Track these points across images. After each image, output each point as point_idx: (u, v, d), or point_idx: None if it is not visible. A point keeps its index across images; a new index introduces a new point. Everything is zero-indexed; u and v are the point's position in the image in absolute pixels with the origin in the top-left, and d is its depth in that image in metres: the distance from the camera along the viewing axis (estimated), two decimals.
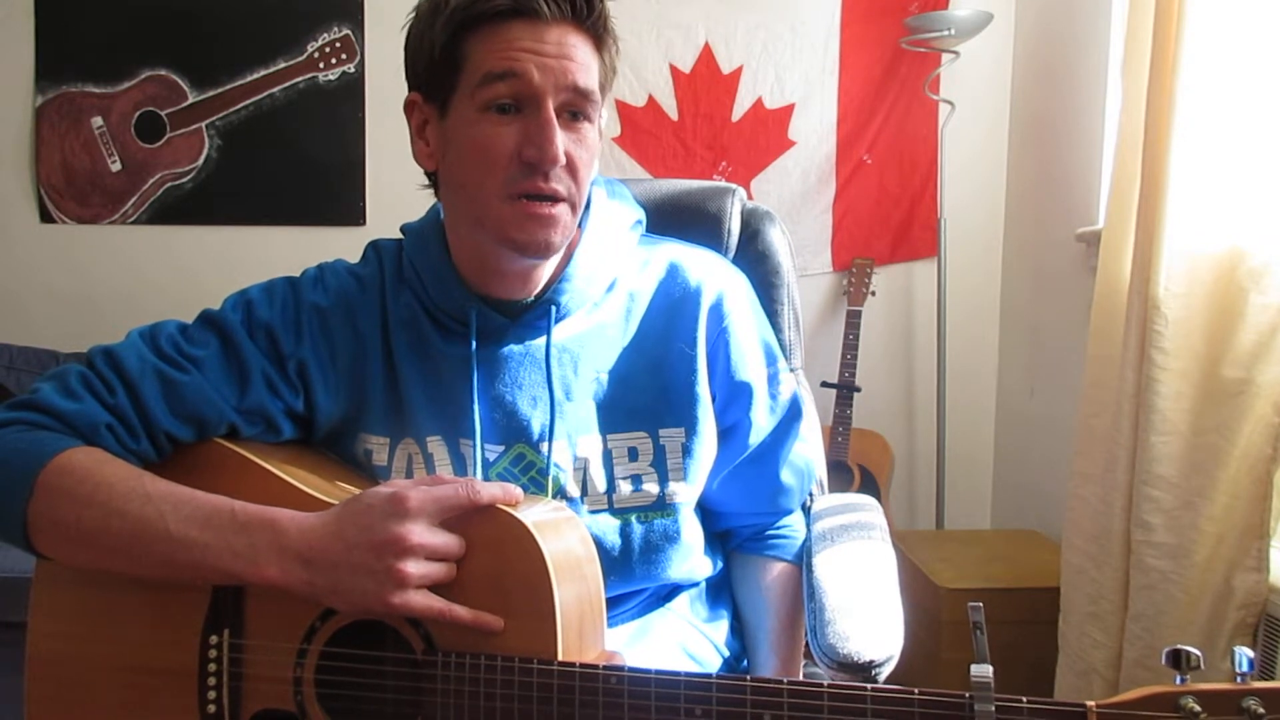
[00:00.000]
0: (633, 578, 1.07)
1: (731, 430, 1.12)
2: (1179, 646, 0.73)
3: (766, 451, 1.15)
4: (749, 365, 1.11)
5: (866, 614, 1.04)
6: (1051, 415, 2.59)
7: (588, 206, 1.08)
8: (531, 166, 0.95)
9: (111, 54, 2.88)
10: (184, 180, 2.91)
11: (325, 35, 2.88)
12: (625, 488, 1.05)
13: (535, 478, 1.04)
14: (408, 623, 0.88)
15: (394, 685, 0.88)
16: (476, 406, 1.03)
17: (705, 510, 1.15)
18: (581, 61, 0.96)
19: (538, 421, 1.04)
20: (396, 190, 2.84)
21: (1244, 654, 0.72)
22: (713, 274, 1.12)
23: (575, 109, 0.97)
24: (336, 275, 1.08)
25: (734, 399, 1.11)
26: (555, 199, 0.97)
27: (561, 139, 0.95)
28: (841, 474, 2.69)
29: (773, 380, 1.14)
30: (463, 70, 0.97)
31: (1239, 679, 0.72)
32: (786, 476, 1.18)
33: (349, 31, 2.88)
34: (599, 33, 0.98)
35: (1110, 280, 1.92)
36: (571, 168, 0.97)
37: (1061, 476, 2.14)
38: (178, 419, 0.96)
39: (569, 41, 0.95)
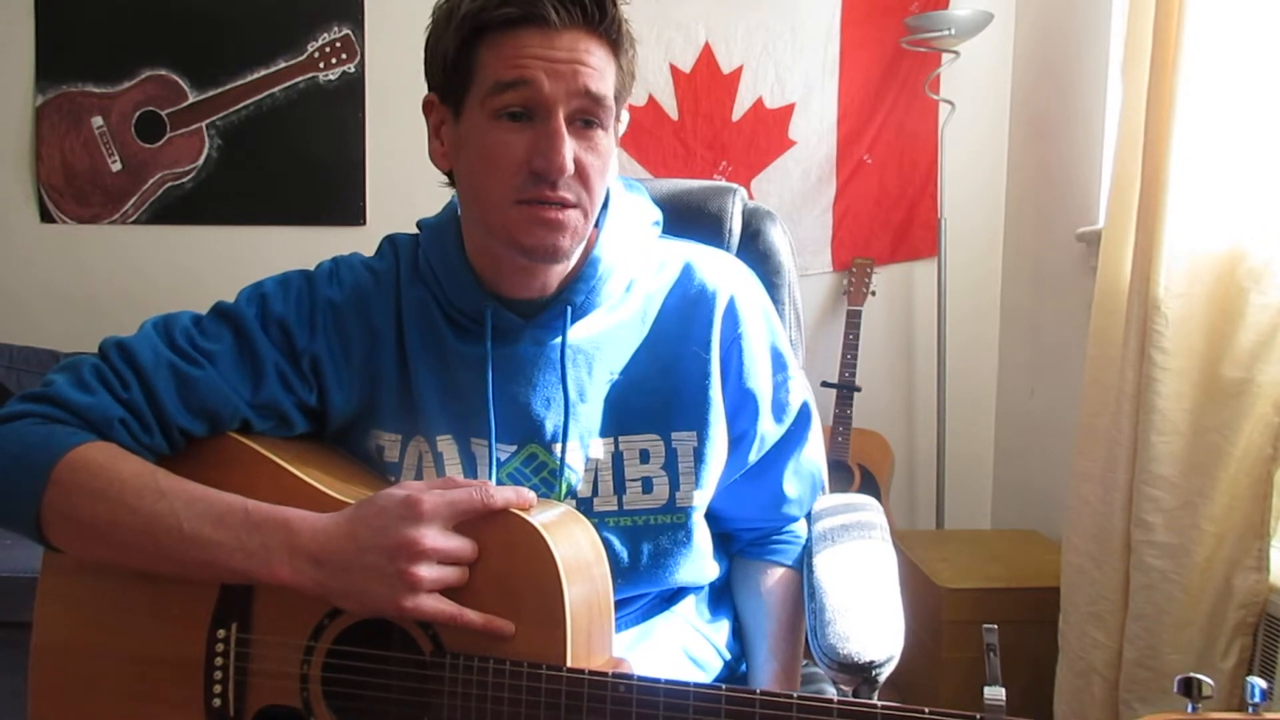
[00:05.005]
0: (640, 581, 1.06)
1: (738, 440, 1.11)
2: (1191, 675, 0.71)
3: (772, 458, 1.14)
4: (759, 374, 1.11)
5: (867, 614, 1.03)
6: (1051, 415, 2.59)
7: (605, 206, 1.07)
8: (539, 175, 0.94)
9: (111, 54, 2.87)
10: (184, 180, 2.91)
11: (325, 35, 2.88)
12: (636, 490, 1.05)
13: (547, 478, 1.04)
14: (416, 623, 0.88)
15: (400, 686, 0.88)
16: (491, 406, 1.02)
17: (709, 514, 1.14)
18: (595, 67, 0.95)
19: (551, 422, 1.04)
20: (396, 190, 2.85)
21: (1256, 684, 0.71)
22: (727, 277, 1.11)
23: (588, 116, 0.96)
24: (351, 269, 1.07)
25: (742, 407, 1.10)
26: (564, 205, 0.96)
27: (571, 148, 0.94)
28: (841, 474, 2.69)
29: (781, 387, 1.13)
30: (475, 77, 0.96)
31: (1250, 709, 0.71)
32: (791, 485, 1.16)
33: (349, 31, 2.88)
34: (613, 37, 0.96)
35: (1110, 280, 1.92)
36: (582, 175, 0.96)
37: (1062, 476, 2.14)
38: (191, 413, 0.96)
39: (581, 47, 0.94)
